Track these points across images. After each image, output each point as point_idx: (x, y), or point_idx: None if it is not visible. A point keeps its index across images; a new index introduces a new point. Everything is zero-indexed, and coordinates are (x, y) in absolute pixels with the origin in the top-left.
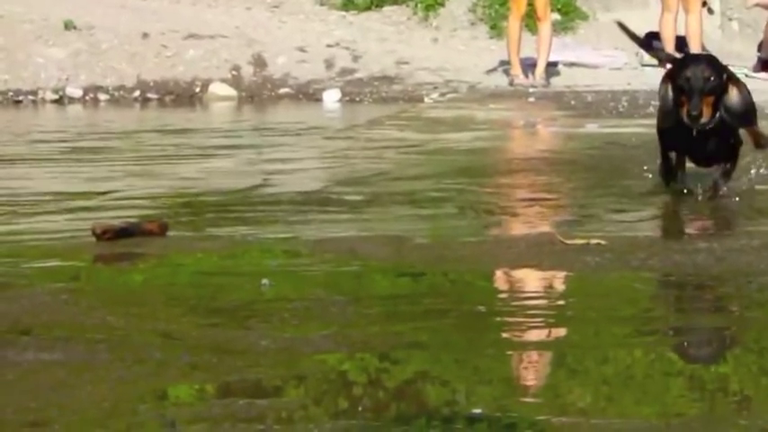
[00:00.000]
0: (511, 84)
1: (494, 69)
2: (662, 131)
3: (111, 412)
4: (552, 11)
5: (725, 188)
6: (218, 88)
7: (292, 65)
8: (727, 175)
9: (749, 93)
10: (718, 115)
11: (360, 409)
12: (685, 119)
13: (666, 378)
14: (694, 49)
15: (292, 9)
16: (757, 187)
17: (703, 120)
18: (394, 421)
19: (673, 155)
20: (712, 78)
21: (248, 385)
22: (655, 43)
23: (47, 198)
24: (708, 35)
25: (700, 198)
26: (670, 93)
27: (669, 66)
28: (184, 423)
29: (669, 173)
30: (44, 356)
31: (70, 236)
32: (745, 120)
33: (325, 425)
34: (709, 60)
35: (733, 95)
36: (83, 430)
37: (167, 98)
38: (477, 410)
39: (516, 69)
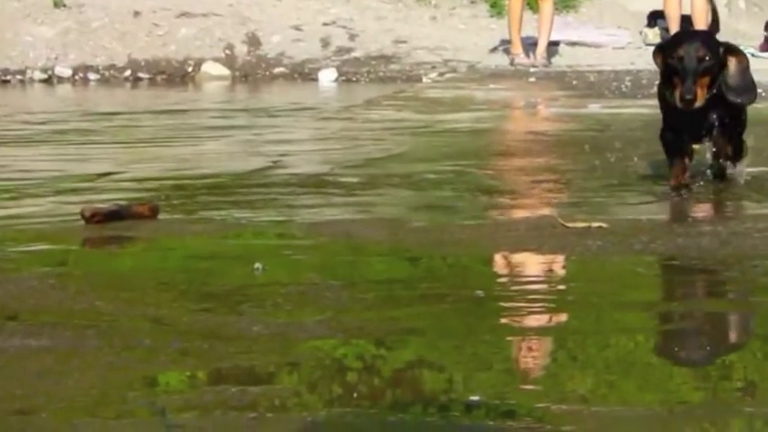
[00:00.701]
0: (511, 63)
1: (494, 48)
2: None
3: (99, 400)
4: None
5: (731, 171)
6: (211, 68)
7: (287, 44)
8: (733, 156)
9: (749, 65)
10: (715, 91)
11: (355, 396)
12: (678, 103)
13: (670, 365)
14: (700, 28)
15: None
16: (763, 169)
17: (698, 104)
18: (390, 409)
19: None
20: (707, 58)
21: (240, 372)
22: (659, 22)
23: (34, 180)
24: None
25: (703, 180)
26: (661, 67)
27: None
28: (175, 411)
29: (673, 148)
30: (31, 342)
31: (58, 219)
32: (746, 94)
33: (319, 413)
34: (705, 37)
35: (732, 69)
36: (70, 418)
37: (159, 78)
38: (475, 398)
39: (517, 48)
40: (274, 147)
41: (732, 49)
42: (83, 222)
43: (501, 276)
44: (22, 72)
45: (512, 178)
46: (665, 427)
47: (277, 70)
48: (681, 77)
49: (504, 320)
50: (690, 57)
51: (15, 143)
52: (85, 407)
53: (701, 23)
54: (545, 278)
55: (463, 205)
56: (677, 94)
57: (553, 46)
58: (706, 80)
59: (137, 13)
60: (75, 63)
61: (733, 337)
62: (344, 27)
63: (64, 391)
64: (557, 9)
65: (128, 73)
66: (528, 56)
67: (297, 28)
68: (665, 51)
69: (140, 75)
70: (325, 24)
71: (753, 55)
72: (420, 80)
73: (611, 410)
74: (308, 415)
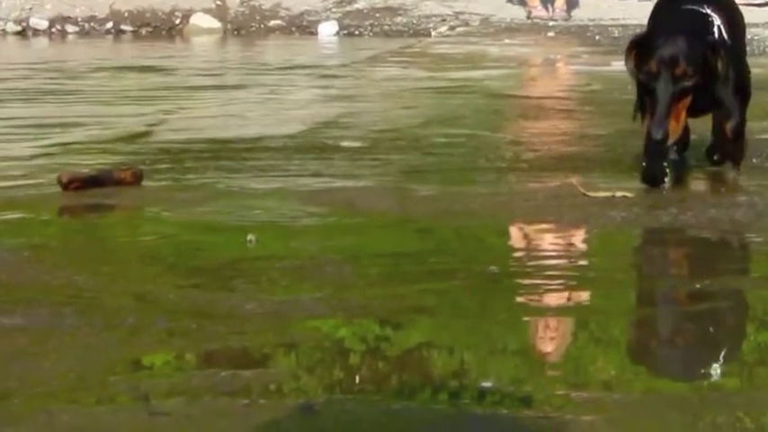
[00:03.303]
0: (528, 16)
1: (509, 0)
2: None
3: (77, 384)
4: None
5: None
6: (201, 20)
7: None
8: (733, 152)
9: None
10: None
11: (357, 381)
12: (646, 133)
13: (701, 348)
14: None
15: None
16: None
17: (671, 141)
18: (395, 395)
19: None
20: (688, 73)
21: (232, 354)
22: None
23: (4, 143)
24: None
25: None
26: (632, 74)
27: None
28: (160, 396)
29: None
30: (3, 321)
31: (32, 184)
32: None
33: (318, 398)
34: (689, 40)
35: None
36: (46, 404)
37: (143, 31)
38: (489, 383)
39: (534, 0)
40: (269, 107)
41: (720, 48)
42: (59, 189)
43: (517, 250)
44: None
45: (529, 143)
46: (696, 416)
47: (273, 23)
48: (652, 101)
49: (520, 299)
50: (665, 76)
51: None
52: (63, 391)
53: None
54: (565, 252)
55: (476, 172)
56: (646, 123)
57: None
58: (686, 102)
59: None
60: (51, 14)
61: None
62: None
63: (39, 375)
64: None
65: (109, 25)
66: (546, 8)
67: None
68: (638, 54)
69: (123, 27)
70: None
71: None
72: (428, 34)
73: (637, 398)
74: (305, 401)
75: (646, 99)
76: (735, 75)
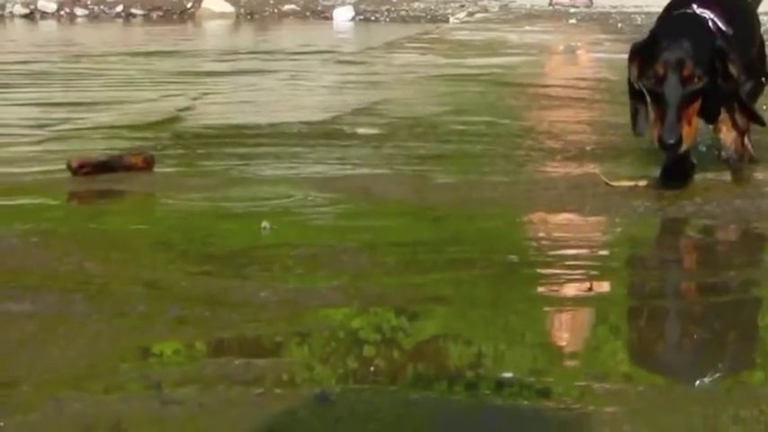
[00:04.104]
0: (550, 3)
1: None
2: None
3: (87, 372)
4: None
5: (750, 146)
6: (213, 4)
7: None
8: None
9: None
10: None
11: (372, 371)
12: (655, 142)
13: (723, 339)
14: None
15: None
16: None
17: (684, 147)
18: (411, 386)
19: None
20: (696, 74)
21: (245, 343)
22: None
23: (13, 127)
24: None
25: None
26: (636, 82)
27: None
28: (171, 385)
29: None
30: (11, 308)
31: (41, 170)
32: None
33: (332, 389)
34: (693, 45)
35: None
36: (55, 392)
37: (154, 14)
38: (508, 374)
39: None
40: (284, 93)
41: (725, 53)
42: (69, 174)
43: (537, 240)
44: (2, 7)
45: (549, 131)
46: (721, 409)
47: (287, 7)
48: (659, 107)
49: (539, 289)
50: (672, 79)
51: None
52: (72, 379)
53: None
54: (586, 242)
55: (495, 160)
56: (655, 132)
57: None
58: (696, 106)
59: None
60: None
61: None
62: None
63: (48, 362)
64: None
65: (119, 9)
66: None
67: None
68: (641, 59)
69: (133, 11)
70: None
71: None
72: (447, 20)
73: (660, 391)
74: (320, 390)
75: (652, 107)
76: (746, 75)
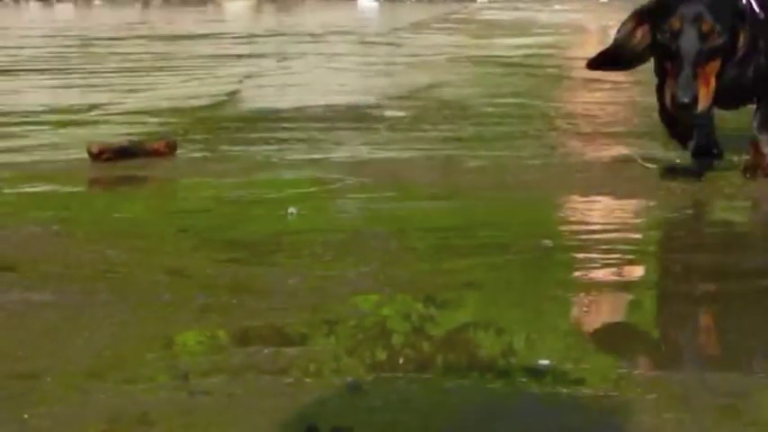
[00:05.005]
0: None
1: None
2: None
3: (112, 362)
4: None
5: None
6: None
7: None
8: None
9: None
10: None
11: (402, 360)
12: (668, 103)
13: (763, 326)
14: None
15: None
16: None
17: (700, 108)
18: (442, 375)
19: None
20: (716, 32)
21: (273, 332)
22: None
23: (32, 112)
24: None
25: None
26: (639, 42)
27: None
28: (198, 375)
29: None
30: (33, 297)
31: (62, 156)
32: None
33: (361, 378)
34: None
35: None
36: (79, 383)
37: None
38: (543, 362)
39: None
40: (308, 76)
41: (745, 18)
42: (89, 160)
43: (571, 224)
44: None
45: (583, 112)
46: (765, 395)
47: None
48: (674, 63)
49: (574, 274)
50: (688, 35)
51: (8, 71)
52: (96, 370)
53: None
54: (621, 226)
55: (527, 143)
56: (668, 92)
57: None
58: (714, 66)
59: None
60: None
61: None
62: None
63: (71, 353)
64: None
65: None
66: None
67: None
68: (652, 20)
69: None
70: None
71: None
72: (474, 0)
73: (700, 378)
74: (352, 379)
75: (666, 64)
76: None
